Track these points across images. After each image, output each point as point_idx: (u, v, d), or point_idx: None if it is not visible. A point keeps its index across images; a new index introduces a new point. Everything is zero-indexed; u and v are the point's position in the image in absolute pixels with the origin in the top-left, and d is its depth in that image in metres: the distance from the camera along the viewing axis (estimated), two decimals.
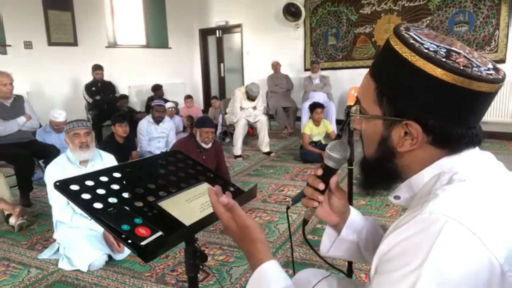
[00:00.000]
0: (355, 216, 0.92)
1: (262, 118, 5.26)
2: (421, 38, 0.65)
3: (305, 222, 0.93)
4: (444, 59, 0.62)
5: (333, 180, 0.86)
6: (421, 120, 0.65)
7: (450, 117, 0.65)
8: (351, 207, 0.93)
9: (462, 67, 0.61)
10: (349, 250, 0.94)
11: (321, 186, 0.84)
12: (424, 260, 0.55)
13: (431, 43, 0.65)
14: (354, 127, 0.79)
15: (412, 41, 0.64)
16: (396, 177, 0.74)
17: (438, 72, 0.61)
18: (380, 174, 0.74)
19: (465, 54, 0.65)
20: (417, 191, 0.72)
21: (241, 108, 5.25)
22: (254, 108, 5.36)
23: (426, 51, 0.62)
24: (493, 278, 0.55)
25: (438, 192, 0.62)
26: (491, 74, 0.63)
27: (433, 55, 0.62)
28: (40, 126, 4.06)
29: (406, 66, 0.64)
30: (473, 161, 0.67)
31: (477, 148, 0.69)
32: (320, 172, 0.85)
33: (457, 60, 0.62)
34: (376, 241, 0.92)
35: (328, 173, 0.85)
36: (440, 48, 0.64)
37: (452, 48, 0.65)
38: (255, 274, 0.74)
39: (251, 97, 5.22)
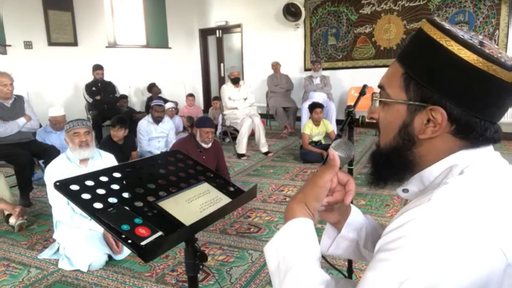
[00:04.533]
0: (355, 214, 0.92)
1: (256, 120, 5.26)
2: (455, 27, 0.66)
3: None
4: (479, 47, 0.62)
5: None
6: (447, 108, 0.65)
7: (477, 107, 0.64)
8: (352, 205, 0.93)
9: (496, 56, 0.62)
10: (349, 249, 0.94)
11: None
12: (431, 244, 0.55)
13: (464, 33, 0.65)
14: (372, 117, 0.78)
15: (448, 27, 0.65)
16: (412, 168, 0.73)
17: (473, 58, 0.61)
18: (396, 163, 0.74)
19: (496, 48, 0.65)
20: (428, 184, 0.71)
21: (230, 99, 5.38)
22: (245, 99, 5.42)
23: (462, 36, 0.63)
24: (496, 270, 0.55)
25: (449, 181, 0.62)
26: None
27: (469, 41, 0.63)
28: (40, 126, 4.06)
29: (439, 51, 0.64)
30: (486, 157, 0.68)
31: (491, 146, 0.70)
32: None
33: (490, 50, 0.63)
34: (375, 240, 0.92)
35: None
36: (473, 38, 0.64)
37: (483, 41, 0.65)
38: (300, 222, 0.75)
39: (234, 78, 5.34)
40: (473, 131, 0.66)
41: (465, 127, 0.66)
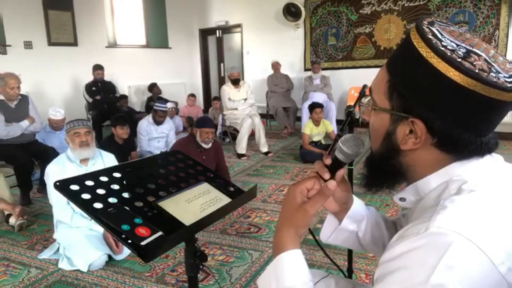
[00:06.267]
0: (357, 206, 0.92)
1: (256, 120, 5.26)
2: (442, 35, 0.63)
3: None
4: (459, 60, 0.59)
5: (339, 173, 0.83)
6: (428, 120, 0.63)
7: (458, 121, 0.62)
8: (354, 197, 0.92)
9: (477, 70, 0.58)
10: (348, 239, 0.95)
11: (326, 175, 0.81)
12: (429, 276, 0.53)
13: (451, 41, 0.62)
14: (363, 118, 0.78)
15: (430, 36, 0.62)
16: (400, 177, 0.73)
17: (451, 72, 0.59)
18: (384, 171, 0.73)
19: (487, 58, 0.61)
20: (424, 195, 0.70)
21: (230, 100, 5.37)
22: (245, 100, 5.42)
23: (443, 49, 0.60)
24: None
25: (447, 204, 0.60)
26: (509, 82, 0.59)
27: (449, 54, 0.59)
28: None
29: (420, 62, 0.61)
30: (484, 170, 0.65)
31: (486, 156, 0.67)
32: (328, 161, 0.82)
33: (474, 63, 0.59)
34: (375, 232, 0.93)
35: (337, 164, 0.82)
36: (459, 48, 0.61)
37: (473, 49, 0.62)
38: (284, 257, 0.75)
39: (234, 79, 5.34)
40: (456, 144, 0.64)
41: (448, 141, 0.64)
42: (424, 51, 0.61)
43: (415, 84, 0.64)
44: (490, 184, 0.63)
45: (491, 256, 0.54)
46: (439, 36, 0.62)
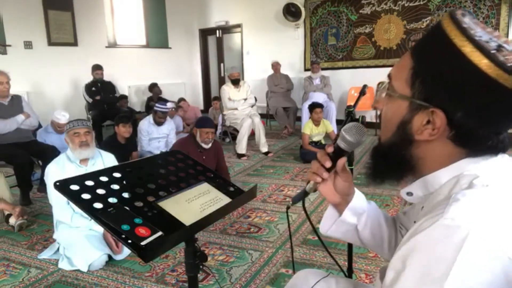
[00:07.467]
0: (358, 199, 0.91)
1: (256, 120, 5.26)
2: (475, 25, 0.61)
3: (305, 193, 0.91)
4: (493, 51, 0.58)
5: (340, 162, 0.83)
6: (448, 112, 0.62)
7: (480, 115, 0.61)
8: (356, 190, 0.92)
9: (509, 64, 0.57)
10: (347, 233, 0.94)
11: (328, 164, 0.82)
12: (448, 272, 0.52)
13: (484, 33, 0.60)
14: (376, 106, 0.75)
15: (465, 25, 0.60)
16: (409, 169, 0.71)
17: (484, 63, 0.57)
18: (393, 162, 0.71)
19: None
20: (433, 190, 0.69)
21: (230, 100, 5.37)
22: (245, 100, 5.42)
23: (477, 38, 0.58)
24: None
25: (459, 197, 0.58)
26: None
27: (484, 44, 0.58)
28: (40, 126, 4.05)
29: (451, 50, 0.60)
30: (495, 166, 0.64)
31: (500, 155, 0.66)
32: (330, 149, 0.82)
33: (507, 57, 0.58)
34: (374, 227, 0.93)
35: (338, 153, 0.82)
36: (491, 40, 0.59)
37: (504, 45, 0.60)
38: None
39: (234, 79, 5.34)
40: (473, 139, 0.63)
41: (465, 135, 0.63)
42: (458, 39, 0.59)
43: (442, 72, 0.62)
44: (503, 180, 0.62)
45: (507, 249, 0.53)
46: (473, 26, 0.61)
